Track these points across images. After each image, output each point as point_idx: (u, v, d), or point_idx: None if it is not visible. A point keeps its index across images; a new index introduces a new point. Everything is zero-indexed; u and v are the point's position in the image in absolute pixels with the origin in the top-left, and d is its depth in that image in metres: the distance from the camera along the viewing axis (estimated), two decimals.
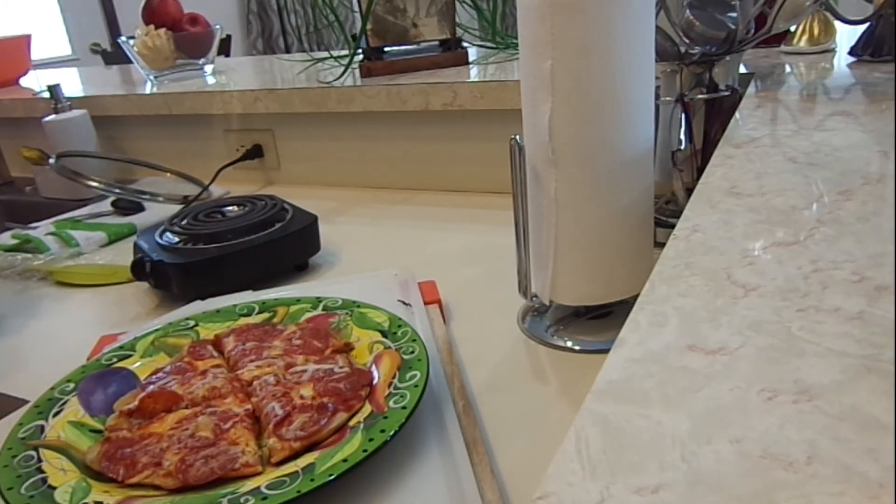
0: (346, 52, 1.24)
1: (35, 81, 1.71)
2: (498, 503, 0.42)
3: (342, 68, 1.15)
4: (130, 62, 1.49)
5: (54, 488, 0.43)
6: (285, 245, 0.80)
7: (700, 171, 0.53)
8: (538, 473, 0.46)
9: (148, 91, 1.31)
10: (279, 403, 0.49)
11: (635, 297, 0.34)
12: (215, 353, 0.59)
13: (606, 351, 0.30)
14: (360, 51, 1.15)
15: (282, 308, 0.65)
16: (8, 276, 0.90)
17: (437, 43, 1.15)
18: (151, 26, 1.38)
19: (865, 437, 0.23)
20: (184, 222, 0.84)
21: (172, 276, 0.75)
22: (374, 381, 0.52)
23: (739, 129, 0.61)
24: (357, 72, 1.14)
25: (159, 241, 0.80)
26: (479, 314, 0.68)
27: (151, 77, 1.43)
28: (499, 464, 0.47)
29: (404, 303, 0.66)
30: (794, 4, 0.68)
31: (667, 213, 0.74)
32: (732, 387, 0.26)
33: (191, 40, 1.42)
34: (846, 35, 0.99)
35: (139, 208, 1.08)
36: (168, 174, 1.22)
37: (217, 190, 1.17)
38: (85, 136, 1.27)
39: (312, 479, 0.42)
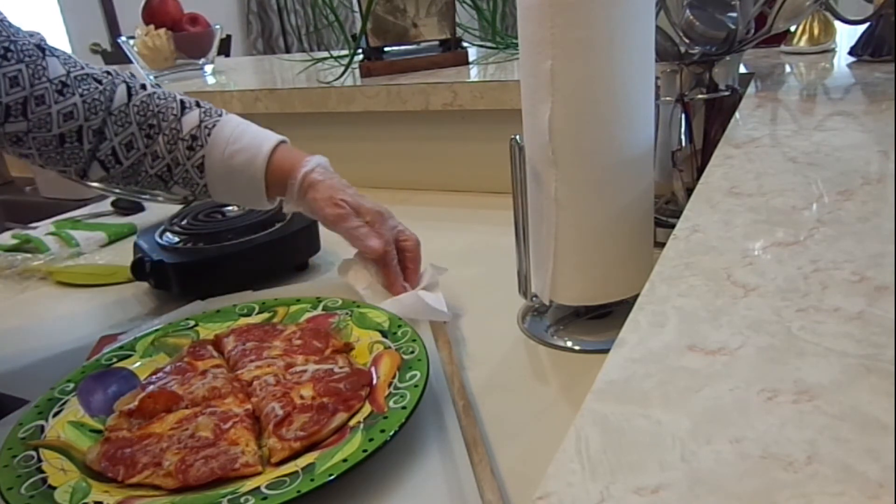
0: (346, 52, 1.24)
1: None
2: (498, 503, 0.42)
3: (342, 68, 1.15)
4: (130, 62, 1.49)
5: (54, 488, 0.43)
6: (285, 245, 0.80)
7: (700, 171, 0.53)
8: (538, 473, 0.45)
9: None
10: (279, 404, 0.49)
11: (635, 297, 0.34)
12: (215, 354, 0.59)
13: (606, 351, 0.30)
14: (360, 51, 1.15)
15: (282, 308, 0.65)
16: (8, 276, 0.90)
17: (437, 43, 1.15)
18: (151, 26, 1.38)
19: (865, 437, 0.23)
20: (184, 222, 0.84)
21: (172, 276, 0.75)
22: (374, 382, 0.52)
23: (739, 129, 0.61)
24: (357, 72, 1.14)
25: (159, 241, 0.80)
26: (479, 314, 0.68)
27: (151, 77, 1.43)
28: (499, 464, 0.47)
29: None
30: (794, 4, 0.68)
31: (667, 213, 0.74)
32: (732, 387, 0.26)
33: (191, 40, 1.42)
34: (846, 35, 0.99)
35: (139, 208, 1.08)
36: None
37: None
38: None
39: (312, 479, 0.42)
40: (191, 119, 0.67)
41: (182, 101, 0.68)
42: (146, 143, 0.65)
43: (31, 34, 0.63)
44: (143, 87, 0.68)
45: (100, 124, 0.64)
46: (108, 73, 0.67)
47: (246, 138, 0.67)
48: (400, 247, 0.68)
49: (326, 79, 1.14)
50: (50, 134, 0.62)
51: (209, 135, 0.66)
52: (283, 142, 0.69)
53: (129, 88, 0.66)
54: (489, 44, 1.23)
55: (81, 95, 0.62)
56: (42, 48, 0.62)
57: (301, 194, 0.67)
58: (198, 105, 0.69)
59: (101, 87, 0.64)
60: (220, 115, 0.69)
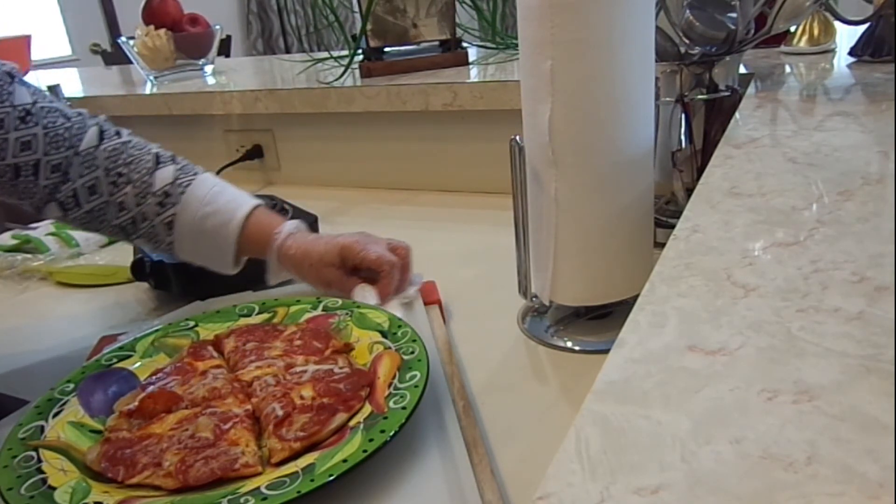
0: (346, 52, 1.24)
1: (35, 82, 1.71)
2: (498, 503, 0.42)
3: (342, 69, 1.15)
4: (130, 62, 1.49)
5: (54, 489, 0.43)
6: None
7: (700, 171, 0.53)
8: (538, 473, 0.45)
9: (148, 91, 1.31)
10: (279, 404, 0.49)
11: (635, 298, 0.34)
12: (215, 354, 0.59)
13: (606, 351, 0.30)
14: (360, 51, 1.15)
15: (282, 308, 0.65)
16: (8, 276, 0.90)
17: (437, 43, 1.15)
18: (151, 27, 1.38)
19: (865, 437, 0.23)
20: None
21: (172, 276, 0.75)
22: (374, 382, 0.52)
23: (739, 129, 0.61)
24: (357, 72, 1.14)
25: None
26: (479, 314, 0.68)
27: (151, 77, 1.43)
28: (499, 464, 0.47)
29: (405, 301, 0.66)
30: (794, 4, 0.68)
31: (667, 213, 0.74)
32: (732, 387, 0.26)
33: (191, 40, 1.42)
34: (846, 35, 0.99)
35: None
36: None
37: None
38: None
39: (312, 480, 0.42)
40: (164, 174, 0.64)
41: (157, 155, 0.66)
42: (111, 191, 0.62)
43: (3, 63, 0.61)
44: (119, 133, 0.66)
45: (61, 161, 0.61)
46: (81, 114, 0.65)
47: (221, 200, 0.65)
48: (395, 254, 0.67)
49: (326, 79, 1.14)
50: (4, 163, 0.59)
51: (183, 193, 0.64)
52: (258, 206, 0.67)
53: (101, 132, 0.64)
54: (489, 44, 1.24)
55: (44, 128, 0.60)
56: (12, 75, 0.60)
57: (284, 251, 0.66)
58: (173, 161, 0.66)
59: (68, 124, 0.62)
60: (196, 174, 0.66)
